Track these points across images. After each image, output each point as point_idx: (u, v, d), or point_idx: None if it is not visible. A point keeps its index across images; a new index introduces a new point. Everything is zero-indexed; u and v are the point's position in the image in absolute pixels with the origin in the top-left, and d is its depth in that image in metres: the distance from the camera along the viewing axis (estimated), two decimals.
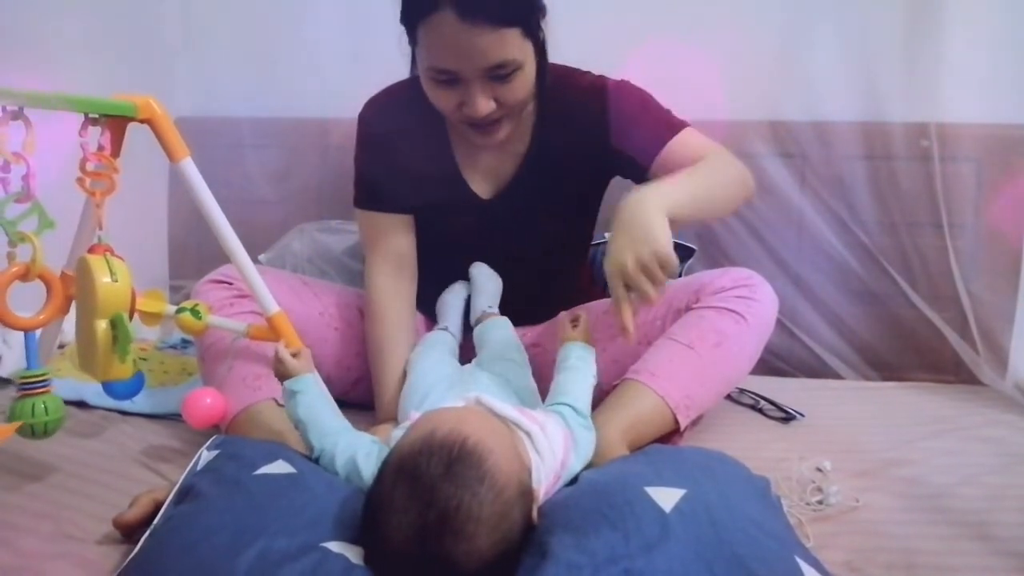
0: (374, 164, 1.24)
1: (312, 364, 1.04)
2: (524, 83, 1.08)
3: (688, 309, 1.15)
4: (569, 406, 0.95)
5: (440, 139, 1.22)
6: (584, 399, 0.98)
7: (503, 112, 1.09)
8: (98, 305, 0.87)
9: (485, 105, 1.06)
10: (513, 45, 1.03)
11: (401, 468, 0.71)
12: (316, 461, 0.93)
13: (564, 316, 1.11)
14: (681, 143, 1.15)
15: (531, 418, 0.87)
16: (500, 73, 1.04)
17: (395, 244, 1.25)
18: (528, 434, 0.85)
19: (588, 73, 1.21)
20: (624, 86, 1.19)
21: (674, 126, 1.17)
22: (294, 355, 1.02)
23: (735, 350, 1.12)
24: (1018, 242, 1.47)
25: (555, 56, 1.15)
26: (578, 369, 1.02)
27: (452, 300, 1.29)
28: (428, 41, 1.04)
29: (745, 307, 1.13)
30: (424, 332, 1.29)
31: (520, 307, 1.27)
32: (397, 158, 1.22)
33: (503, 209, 1.23)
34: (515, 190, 1.22)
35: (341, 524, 0.76)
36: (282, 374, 1.01)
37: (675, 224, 0.96)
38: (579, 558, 0.67)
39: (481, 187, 1.24)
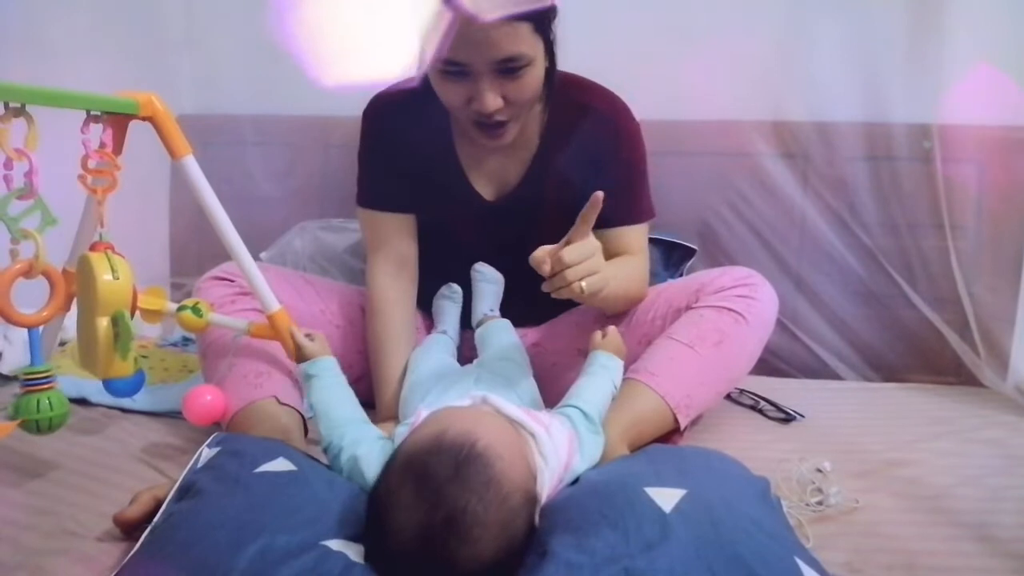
0: (377, 162, 1.24)
1: (328, 347, 1.06)
2: (533, 81, 1.07)
3: (688, 308, 1.15)
4: (579, 409, 0.95)
5: (444, 139, 1.21)
6: (596, 404, 0.98)
7: (510, 112, 1.08)
8: (99, 303, 0.87)
9: (493, 100, 1.05)
10: (524, 39, 1.02)
11: (409, 466, 0.71)
12: (324, 451, 0.94)
13: (596, 332, 1.11)
14: (636, 232, 1.22)
15: (536, 419, 0.87)
16: (510, 67, 1.03)
17: (397, 244, 1.24)
18: (532, 435, 0.85)
19: (599, 85, 1.21)
20: (632, 122, 1.21)
21: (644, 215, 1.23)
22: (309, 339, 1.05)
23: (735, 349, 1.12)
24: (1019, 244, 1.47)
25: (561, 58, 1.13)
26: (597, 375, 1.02)
27: (448, 305, 1.29)
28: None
29: (745, 306, 1.13)
30: (425, 331, 1.30)
31: (522, 308, 1.27)
32: (400, 157, 1.21)
33: (507, 211, 1.23)
34: (519, 193, 1.22)
35: (341, 522, 0.76)
36: (300, 358, 1.03)
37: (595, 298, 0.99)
38: (579, 557, 0.67)
39: (485, 188, 1.23)
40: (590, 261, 0.95)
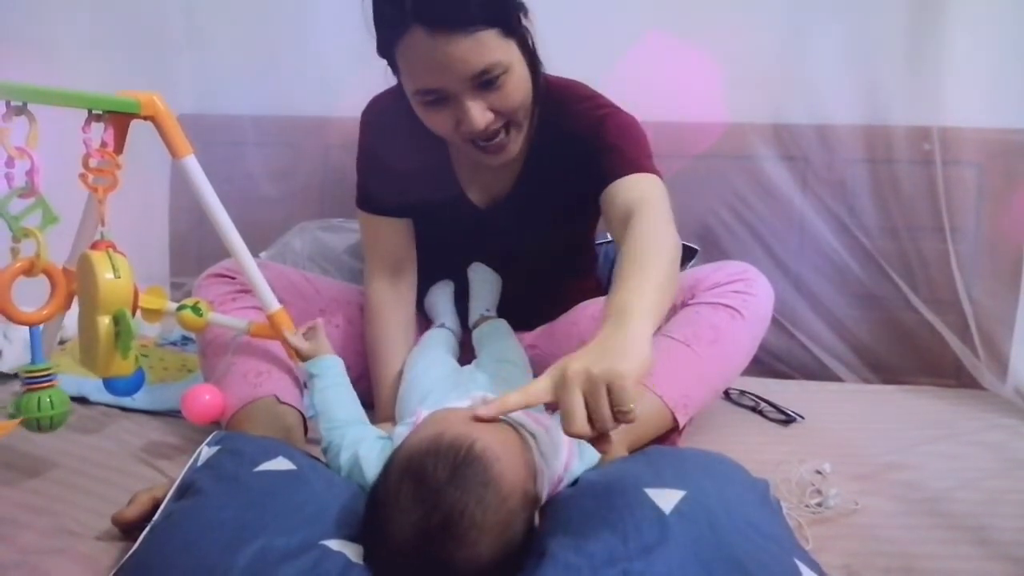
0: (373, 166, 1.23)
1: (327, 342, 1.07)
2: (517, 86, 1.03)
3: (684, 305, 1.15)
4: None
5: (438, 144, 1.20)
6: None
7: (504, 121, 1.05)
8: (100, 301, 0.87)
9: (481, 117, 1.01)
10: (493, 47, 0.97)
11: (407, 468, 0.71)
12: (324, 451, 0.94)
13: None
14: (637, 182, 1.06)
15: (536, 420, 0.87)
16: (487, 79, 0.99)
17: (394, 247, 1.24)
18: (533, 436, 0.85)
19: (585, 85, 1.19)
20: (624, 114, 1.15)
21: (644, 167, 1.08)
22: (306, 335, 1.06)
23: (731, 346, 1.12)
24: (1019, 247, 1.47)
25: (555, 60, 1.13)
26: None
27: (440, 298, 1.29)
28: (407, 64, 1.00)
29: (741, 302, 1.13)
30: (426, 324, 1.29)
31: (518, 312, 1.27)
32: (394, 162, 1.20)
33: (499, 217, 1.22)
34: (512, 199, 1.21)
35: (340, 522, 0.76)
36: (301, 357, 1.05)
37: None
38: (577, 559, 0.67)
39: (477, 195, 1.23)
40: (599, 400, 0.71)
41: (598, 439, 0.72)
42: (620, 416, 0.70)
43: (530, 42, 1.05)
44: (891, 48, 1.52)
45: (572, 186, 1.15)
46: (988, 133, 1.50)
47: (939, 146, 1.49)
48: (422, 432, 0.75)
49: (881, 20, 1.52)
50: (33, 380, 0.90)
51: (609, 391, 0.70)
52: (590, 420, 0.71)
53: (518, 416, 0.86)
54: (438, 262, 1.28)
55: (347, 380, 1.04)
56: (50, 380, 0.91)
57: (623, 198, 1.03)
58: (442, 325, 1.24)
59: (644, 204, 0.99)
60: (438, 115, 1.04)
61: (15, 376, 1.32)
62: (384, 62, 1.06)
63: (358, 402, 1.01)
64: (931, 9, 1.47)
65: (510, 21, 1.00)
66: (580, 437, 0.71)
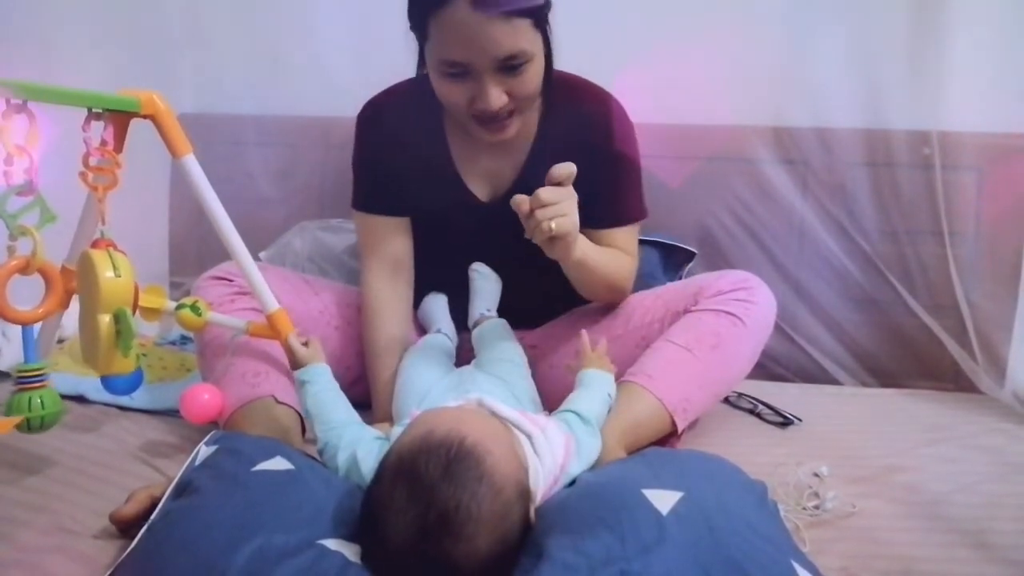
0: (371, 166, 1.23)
1: (322, 353, 1.06)
2: (535, 75, 1.07)
3: (686, 311, 1.16)
4: (575, 413, 0.96)
5: (438, 141, 1.21)
6: (592, 410, 0.98)
7: (514, 105, 1.08)
8: (101, 300, 0.87)
9: (498, 98, 1.04)
10: (525, 36, 1.02)
11: (400, 468, 0.71)
12: (320, 453, 0.94)
13: (585, 338, 1.09)
14: (626, 234, 1.22)
15: (532, 420, 0.87)
16: (512, 64, 1.02)
17: (391, 247, 1.24)
18: (528, 436, 0.85)
19: (594, 84, 1.21)
20: (627, 119, 1.21)
21: (635, 215, 1.23)
22: (304, 344, 1.06)
23: (732, 352, 1.13)
24: (1018, 251, 1.47)
25: (559, 61, 1.14)
26: (591, 387, 1.02)
27: (435, 308, 1.29)
28: (440, 33, 1.02)
29: (743, 310, 1.13)
30: (419, 333, 1.29)
31: (519, 310, 1.27)
32: (394, 160, 1.21)
33: (502, 212, 1.21)
34: (514, 193, 1.21)
35: (338, 521, 0.76)
36: (293, 364, 1.04)
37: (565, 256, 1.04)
38: (575, 559, 0.67)
39: (480, 189, 1.23)
40: (562, 203, 0.96)
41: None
42: (541, 211, 0.95)
43: (549, 38, 1.09)
44: (891, 52, 1.52)
45: (577, 181, 1.15)
46: (987, 138, 1.50)
47: (939, 150, 1.49)
48: (412, 431, 0.76)
49: (881, 24, 1.52)
50: (25, 380, 0.90)
51: (555, 207, 0.95)
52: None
53: (514, 416, 0.86)
54: (441, 260, 1.27)
55: (337, 387, 1.03)
56: (42, 380, 0.91)
57: (610, 245, 1.19)
58: (438, 331, 1.24)
59: (625, 255, 1.21)
60: (455, 87, 1.06)
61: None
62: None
63: (351, 406, 1.01)
64: (931, 13, 1.47)
65: (543, 14, 1.05)
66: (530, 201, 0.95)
